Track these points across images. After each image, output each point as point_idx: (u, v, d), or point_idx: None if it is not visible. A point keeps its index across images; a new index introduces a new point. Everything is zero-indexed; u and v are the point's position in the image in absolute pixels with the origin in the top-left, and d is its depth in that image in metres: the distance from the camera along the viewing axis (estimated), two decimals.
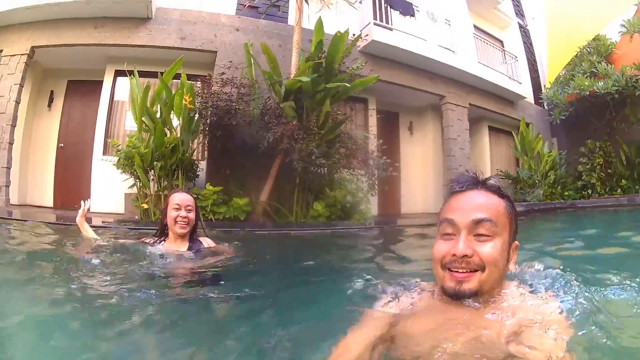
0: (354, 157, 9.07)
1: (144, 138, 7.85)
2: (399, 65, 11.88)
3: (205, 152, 9.21)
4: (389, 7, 11.90)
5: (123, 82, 9.86)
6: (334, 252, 5.32)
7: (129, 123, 9.81)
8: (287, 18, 10.77)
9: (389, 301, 1.67)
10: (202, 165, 8.89)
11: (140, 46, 9.41)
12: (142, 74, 8.60)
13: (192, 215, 3.56)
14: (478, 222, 1.40)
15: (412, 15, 12.38)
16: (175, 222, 3.50)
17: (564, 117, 14.02)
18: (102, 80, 9.88)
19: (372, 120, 12.03)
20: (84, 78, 10.24)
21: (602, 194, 13.00)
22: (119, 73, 9.82)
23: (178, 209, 3.52)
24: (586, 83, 13.13)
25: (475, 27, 14.96)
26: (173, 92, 8.01)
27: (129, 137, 8.05)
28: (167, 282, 2.91)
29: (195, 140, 8.86)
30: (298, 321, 1.99)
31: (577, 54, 14.54)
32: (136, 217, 7.78)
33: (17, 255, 3.48)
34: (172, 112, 8.05)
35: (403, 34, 11.75)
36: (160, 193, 7.77)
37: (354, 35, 9.37)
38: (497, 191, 1.51)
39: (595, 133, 13.79)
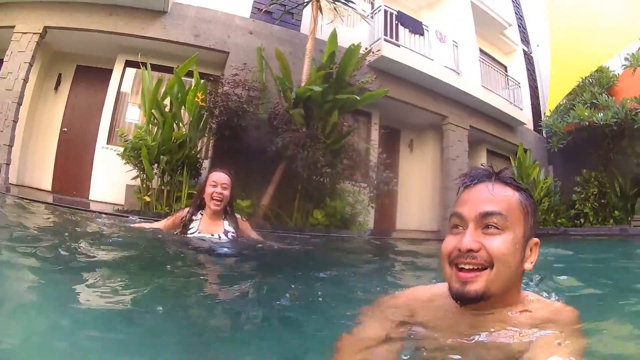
0: (357, 169, 9.29)
1: (151, 131, 7.99)
2: (404, 82, 12.11)
3: (209, 151, 9.35)
4: (398, 24, 12.17)
5: (131, 73, 10.04)
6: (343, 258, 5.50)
7: (129, 115, 10.02)
8: (299, 26, 10.99)
9: (399, 298, 1.66)
10: (205, 163, 8.98)
11: (154, 39, 9.50)
12: (153, 67, 8.70)
13: (226, 192, 3.99)
14: (486, 215, 1.32)
15: (422, 34, 12.69)
16: (212, 197, 3.92)
17: (561, 146, 14.44)
18: (112, 69, 9.96)
19: (375, 134, 12.22)
20: (94, 64, 10.33)
21: (594, 223, 13.38)
22: (129, 63, 9.94)
23: (214, 186, 3.95)
24: (586, 113, 13.54)
25: (481, 50, 15.37)
26: (186, 88, 8.18)
27: (136, 128, 8.19)
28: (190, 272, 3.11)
29: (201, 139, 9.00)
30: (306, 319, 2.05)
31: (579, 84, 14.94)
32: (137, 209, 7.84)
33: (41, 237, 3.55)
34: (183, 107, 8.20)
35: (411, 52, 12.05)
36: (163, 188, 7.89)
37: (365, 49, 9.63)
38: (512, 183, 1.42)
39: (591, 163, 14.23)
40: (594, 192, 13.71)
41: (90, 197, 9.07)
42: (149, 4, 9.39)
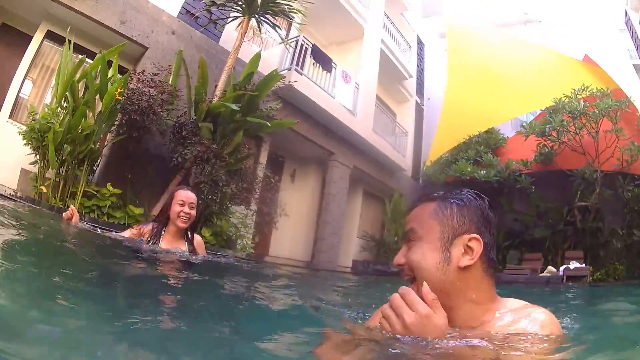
0: (250, 192, 9.86)
1: (58, 115, 7.68)
2: (301, 113, 12.85)
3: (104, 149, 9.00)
4: (305, 56, 13.09)
5: (46, 47, 9.61)
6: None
7: (25, 90, 9.46)
8: (219, 37, 11.38)
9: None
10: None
11: (81, 14, 9.04)
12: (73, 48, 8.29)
13: (193, 212, 4.19)
14: (408, 232, 1.54)
15: (330, 71, 13.80)
16: (179, 216, 4.10)
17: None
18: (32, 36, 9.38)
19: (264, 159, 12.74)
20: (18, 26, 9.61)
21: None
22: (49, 35, 9.49)
23: (182, 205, 4.12)
24: (469, 169, 15.79)
25: (377, 96, 16.84)
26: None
27: (47, 108, 7.84)
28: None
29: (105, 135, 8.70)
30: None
31: (465, 141, 17.03)
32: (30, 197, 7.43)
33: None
34: (98, 96, 7.96)
35: (315, 86, 13.04)
36: (59, 180, 7.59)
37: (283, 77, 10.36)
38: (437, 196, 1.59)
39: None
40: None
41: None
42: None
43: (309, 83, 12.82)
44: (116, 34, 9.55)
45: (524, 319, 1.45)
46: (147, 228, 4.25)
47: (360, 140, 15.04)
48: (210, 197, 8.80)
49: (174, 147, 8.63)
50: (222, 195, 9.11)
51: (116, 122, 8.52)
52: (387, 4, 18.41)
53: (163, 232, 4.19)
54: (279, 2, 9.99)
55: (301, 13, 10.57)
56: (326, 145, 14.24)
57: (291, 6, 10.25)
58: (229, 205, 9.65)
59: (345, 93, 14.30)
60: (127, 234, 4.33)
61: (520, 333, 1.41)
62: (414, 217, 1.56)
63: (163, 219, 4.25)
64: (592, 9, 18.53)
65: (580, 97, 14.17)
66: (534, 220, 15.01)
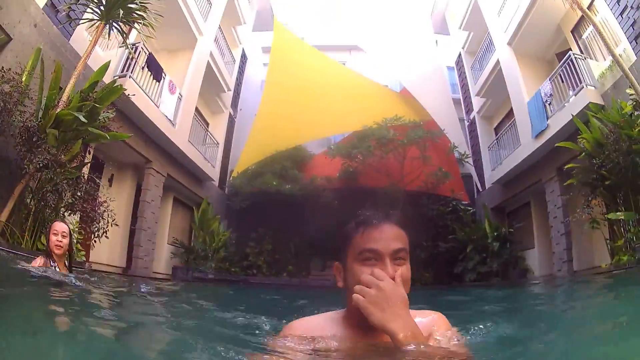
0: (86, 201, 10.32)
1: None
2: (127, 120, 13.63)
3: None
4: (141, 63, 14.11)
5: None
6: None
7: None
8: (70, 35, 11.48)
9: (294, 326, 2.05)
10: None
11: None
12: None
13: (66, 240, 5.13)
14: (397, 251, 1.75)
15: (159, 80, 14.96)
16: (55, 245, 4.99)
17: (244, 205, 18.54)
18: None
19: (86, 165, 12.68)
20: None
21: (267, 274, 17.71)
22: None
23: (56, 234, 5.02)
24: (274, 182, 18.03)
25: (196, 108, 18.27)
26: None
27: None
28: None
29: None
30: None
31: (272, 155, 19.16)
32: None
33: None
34: None
35: (143, 94, 13.95)
36: None
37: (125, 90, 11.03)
38: (402, 224, 1.86)
39: (268, 223, 18.40)
40: (269, 249, 18.23)
41: None
42: None
43: (139, 91, 13.57)
44: None
45: (424, 321, 1.86)
46: (40, 262, 5.01)
47: (176, 149, 16.31)
48: (50, 204, 9.14)
49: (25, 153, 8.62)
50: (58, 202, 9.42)
51: None
52: (223, 16, 19.99)
53: (55, 266, 5.06)
54: (136, 13, 10.73)
55: (152, 27, 11.19)
56: (145, 153, 15.14)
57: (145, 18, 10.98)
58: (64, 213, 9.83)
59: (169, 103, 15.45)
60: (38, 262, 5.03)
61: (429, 335, 1.79)
62: (401, 238, 1.81)
63: (47, 250, 5.16)
64: (419, 45, 21.93)
65: (390, 125, 16.82)
66: (334, 230, 17.58)
